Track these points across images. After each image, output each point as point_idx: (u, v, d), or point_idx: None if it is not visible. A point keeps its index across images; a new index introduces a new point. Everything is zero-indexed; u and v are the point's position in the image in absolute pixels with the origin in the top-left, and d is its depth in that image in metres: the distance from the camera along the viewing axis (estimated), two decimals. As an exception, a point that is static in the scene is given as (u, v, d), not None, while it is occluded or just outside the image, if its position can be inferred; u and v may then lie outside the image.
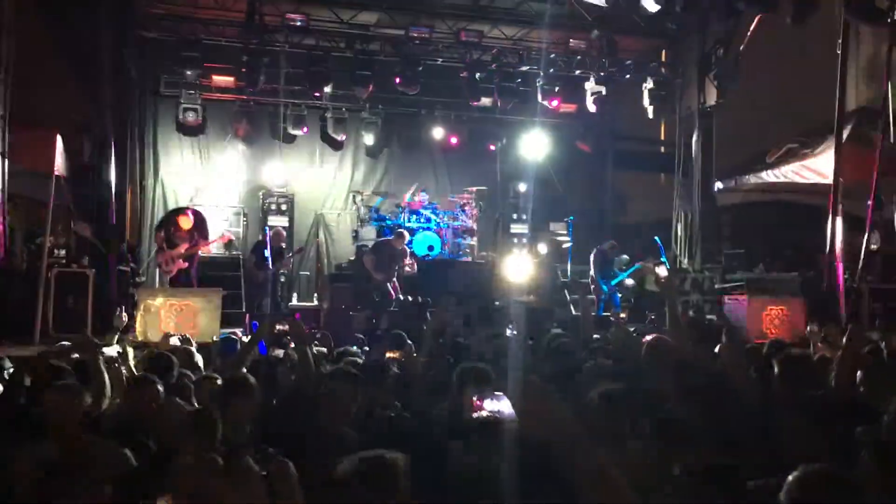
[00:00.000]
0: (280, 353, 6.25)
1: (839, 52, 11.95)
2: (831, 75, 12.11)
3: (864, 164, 11.65)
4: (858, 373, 4.34)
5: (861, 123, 12.74)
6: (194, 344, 6.89)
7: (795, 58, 15.19)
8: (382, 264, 12.12)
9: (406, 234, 12.84)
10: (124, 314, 8.45)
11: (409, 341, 6.66)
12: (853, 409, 3.77)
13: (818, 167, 13.42)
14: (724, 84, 14.38)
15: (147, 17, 13.41)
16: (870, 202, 11.63)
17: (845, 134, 12.21)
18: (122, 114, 11.75)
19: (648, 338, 5.00)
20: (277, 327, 8.21)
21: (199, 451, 2.78)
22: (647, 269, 14.46)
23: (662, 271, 13.55)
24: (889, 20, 11.05)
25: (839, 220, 11.71)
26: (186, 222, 11.76)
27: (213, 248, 12.83)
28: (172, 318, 9.82)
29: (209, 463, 0.94)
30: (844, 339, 4.99)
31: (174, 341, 7.28)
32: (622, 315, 10.65)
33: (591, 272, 13.55)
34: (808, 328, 8.22)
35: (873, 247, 11.98)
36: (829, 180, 12.04)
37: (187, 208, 12.57)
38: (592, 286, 13.34)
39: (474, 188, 15.65)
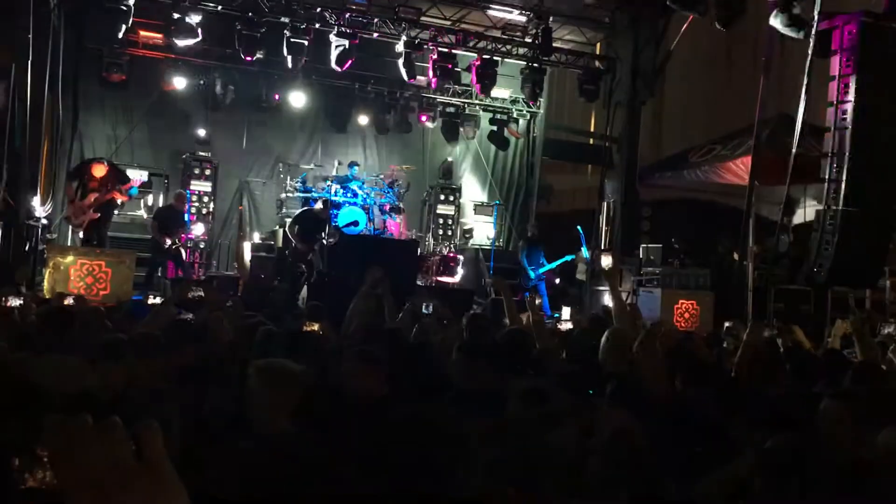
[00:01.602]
0: (189, 317, 6.14)
1: (763, 57, 12.36)
2: (754, 81, 12.52)
3: (779, 169, 12.11)
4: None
5: (779, 130, 13.22)
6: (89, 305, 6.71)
7: (722, 62, 15.67)
8: (306, 234, 11.99)
9: (329, 203, 12.74)
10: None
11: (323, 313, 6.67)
12: (746, 399, 4.00)
13: (736, 170, 13.91)
14: (652, 81, 14.71)
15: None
16: (781, 206, 12.12)
17: (763, 139, 12.66)
18: (40, 63, 11.25)
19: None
20: (192, 293, 8.08)
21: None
22: (580, 258, 14.75)
23: (607, 260, 13.85)
24: (811, 31, 11.48)
25: (751, 222, 12.16)
26: (100, 170, 11.32)
27: (126, 200, 12.31)
28: (83, 277, 9.54)
29: (77, 421, 0.93)
30: (745, 335, 5.28)
31: (69, 301, 7.10)
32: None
33: (520, 259, 13.69)
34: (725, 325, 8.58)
35: (781, 249, 12.50)
36: (745, 183, 12.49)
37: (102, 158, 12.12)
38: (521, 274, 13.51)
39: (403, 166, 15.63)
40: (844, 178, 11.43)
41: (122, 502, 1.02)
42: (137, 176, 13.74)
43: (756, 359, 4.85)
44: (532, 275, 13.49)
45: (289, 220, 12.74)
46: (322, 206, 12.39)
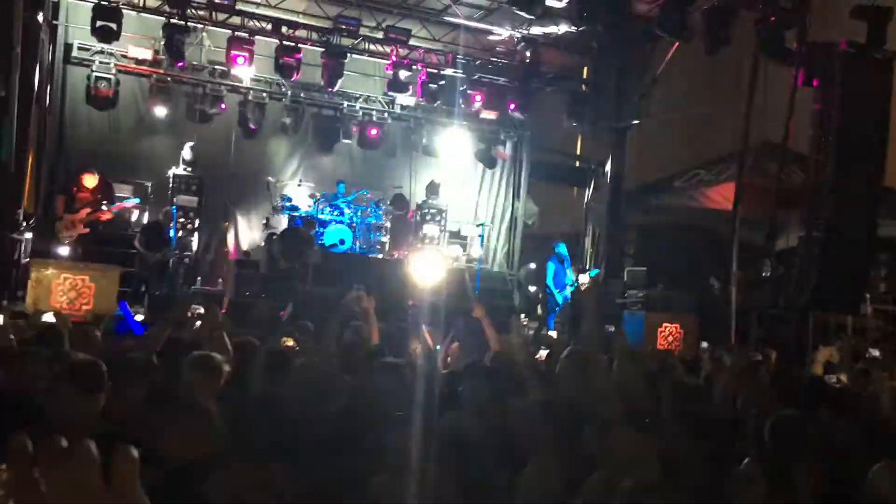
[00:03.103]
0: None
1: (748, 84, 12.53)
2: (737, 108, 12.68)
3: (762, 195, 12.25)
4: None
5: (763, 156, 13.38)
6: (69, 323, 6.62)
7: (706, 88, 15.84)
8: (289, 251, 11.97)
9: (315, 222, 12.74)
10: None
11: (307, 330, 6.65)
12: (730, 425, 4.03)
13: (720, 195, 14.03)
14: (638, 106, 14.86)
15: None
16: (765, 233, 12.24)
17: (747, 165, 12.79)
18: (27, 75, 11.21)
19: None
20: (192, 311, 8.03)
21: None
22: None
23: (585, 279, 13.71)
24: (796, 60, 11.66)
25: (735, 247, 12.25)
26: (91, 180, 11.24)
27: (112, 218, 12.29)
28: (65, 291, 9.47)
29: (47, 442, 0.92)
30: (730, 360, 5.31)
31: (48, 317, 7.04)
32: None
33: (547, 281, 13.25)
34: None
35: (764, 274, 12.59)
36: (729, 209, 12.60)
37: (93, 168, 12.01)
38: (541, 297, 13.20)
39: (391, 186, 15.65)
40: (826, 203, 11.58)
41: None
42: (123, 191, 13.71)
43: (743, 384, 4.88)
44: (560, 298, 13.05)
45: (274, 237, 12.71)
46: (305, 225, 12.40)
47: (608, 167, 15.58)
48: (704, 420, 3.82)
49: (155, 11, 13.30)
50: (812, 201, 11.76)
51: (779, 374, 6.46)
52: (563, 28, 14.00)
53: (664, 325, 12.28)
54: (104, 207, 11.34)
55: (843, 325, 12.03)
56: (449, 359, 6.38)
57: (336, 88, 14.47)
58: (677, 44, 13.15)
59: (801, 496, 3.14)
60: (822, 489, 3.26)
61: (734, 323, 11.95)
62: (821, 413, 4.56)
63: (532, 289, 16.08)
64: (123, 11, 12.97)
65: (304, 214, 13.83)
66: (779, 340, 11.07)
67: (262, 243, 14.04)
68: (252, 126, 15.04)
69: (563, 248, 13.48)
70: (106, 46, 13.27)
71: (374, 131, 16.04)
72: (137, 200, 12.51)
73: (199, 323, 6.75)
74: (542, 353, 6.87)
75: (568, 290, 13.14)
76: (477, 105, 15.32)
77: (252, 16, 13.82)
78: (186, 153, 14.66)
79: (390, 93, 15.08)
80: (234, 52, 13.40)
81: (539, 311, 14.27)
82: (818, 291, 11.19)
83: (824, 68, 11.71)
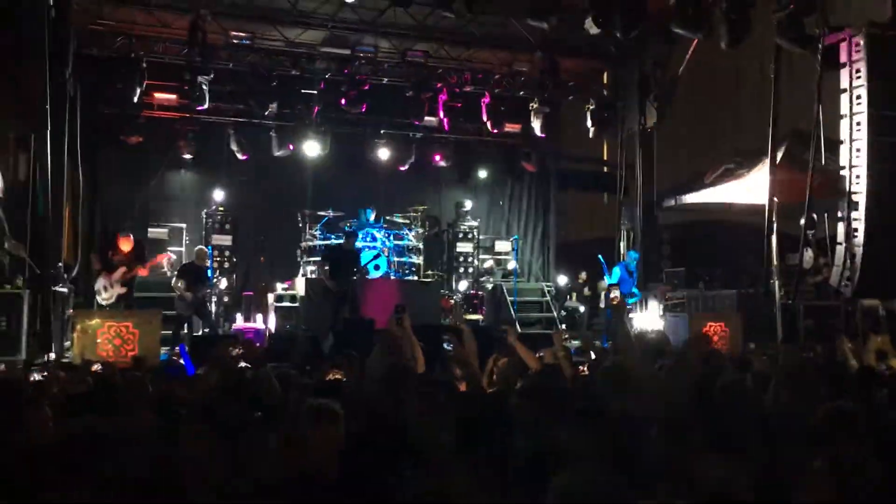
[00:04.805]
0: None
1: (772, 75, 12.36)
2: (764, 99, 12.51)
3: (797, 185, 12.04)
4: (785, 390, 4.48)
5: (794, 145, 13.16)
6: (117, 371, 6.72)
7: (730, 82, 15.67)
8: (336, 270, 11.95)
9: (354, 236, 12.78)
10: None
11: (354, 360, 6.65)
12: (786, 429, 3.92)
13: (753, 188, 13.82)
14: (662, 106, 14.74)
15: (88, 33, 13.18)
16: (803, 222, 12.01)
17: (779, 155, 12.60)
18: (59, 132, 11.46)
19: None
20: (233, 350, 8.09)
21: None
22: (601, 287, 14.61)
23: (616, 291, 13.64)
24: (819, 46, 11.48)
25: (774, 240, 12.06)
26: (126, 244, 11.52)
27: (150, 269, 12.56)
28: (110, 339, 9.60)
29: None
30: (780, 359, 5.20)
31: (96, 367, 7.14)
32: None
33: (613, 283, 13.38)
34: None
35: (806, 265, 12.36)
36: (765, 200, 12.40)
37: (127, 232, 12.29)
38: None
39: (419, 207, 15.69)
40: (864, 189, 11.35)
41: None
42: (158, 233, 13.93)
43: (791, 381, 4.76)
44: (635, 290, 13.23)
45: (319, 261, 12.67)
46: (346, 240, 12.43)
47: (637, 170, 15.46)
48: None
49: (177, 57, 13.52)
50: (849, 187, 11.54)
51: (830, 366, 6.33)
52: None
53: (708, 324, 12.08)
54: (139, 266, 11.59)
55: (893, 312, 11.73)
56: (494, 377, 6.32)
57: (359, 113, 14.56)
58: (696, 40, 13.03)
59: (866, 490, 3.05)
60: (886, 481, 3.16)
61: (780, 317, 11.74)
62: (877, 402, 4.45)
63: (570, 302, 16.00)
64: (147, 59, 13.21)
65: (337, 241, 13.85)
66: (827, 332, 10.84)
67: (300, 275, 14.13)
68: (280, 157, 15.19)
69: (633, 255, 13.52)
70: (132, 95, 13.50)
71: (399, 154, 16.11)
72: (172, 256, 12.74)
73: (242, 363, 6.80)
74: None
75: (633, 298, 13.22)
76: (499, 119, 15.31)
77: (270, 52, 14.00)
78: (218, 192, 14.88)
79: (412, 114, 15.14)
80: (259, 101, 13.64)
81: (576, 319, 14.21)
82: (863, 279, 10.94)
83: (848, 52, 11.52)
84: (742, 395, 4.46)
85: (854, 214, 11.42)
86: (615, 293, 13.11)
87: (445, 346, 8.58)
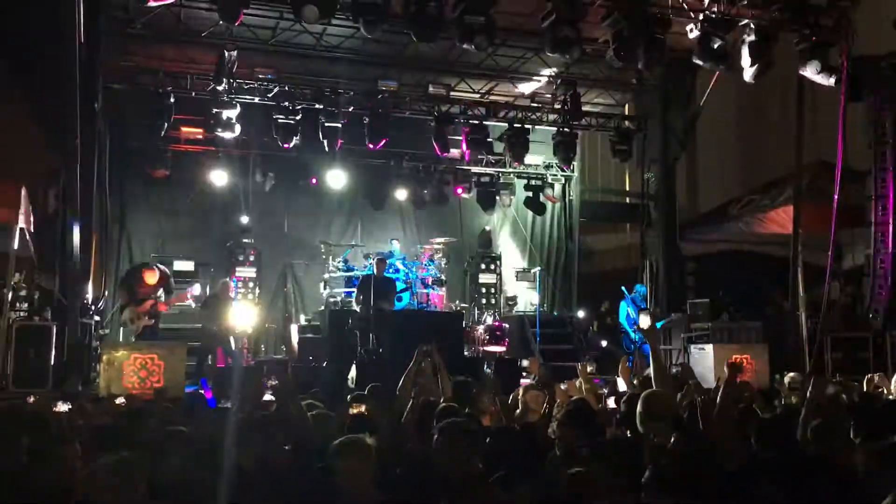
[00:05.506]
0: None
1: (795, 107, 12.35)
2: (787, 130, 12.49)
3: (822, 215, 11.96)
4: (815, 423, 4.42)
5: (818, 176, 13.10)
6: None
7: (753, 113, 15.66)
8: (366, 297, 11.97)
9: (384, 260, 12.81)
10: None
11: (380, 393, 6.63)
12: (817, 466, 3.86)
13: (778, 219, 13.75)
14: (684, 137, 14.75)
15: (115, 69, 13.44)
16: (829, 253, 11.92)
17: (804, 186, 12.55)
18: (87, 165, 11.66)
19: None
20: (267, 382, 8.12)
21: None
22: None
23: (646, 320, 13.54)
24: (841, 77, 11.46)
25: (800, 271, 11.96)
26: (152, 277, 11.60)
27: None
28: (135, 371, 9.67)
29: None
30: (808, 391, 5.13)
31: (120, 401, 7.20)
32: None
33: (620, 320, 13.30)
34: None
35: (833, 297, 12.24)
36: (789, 231, 12.33)
37: (153, 264, 12.41)
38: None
39: (443, 239, 15.72)
40: (891, 219, 11.26)
41: None
42: (185, 266, 14.05)
43: (819, 415, 4.70)
44: (636, 336, 12.98)
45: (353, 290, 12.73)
46: (377, 266, 12.47)
47: (659, 201, 15.43)
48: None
49: (203, 92, 13.73)
50: (875, 217, 11.45)
51: (860, 402, 6.23)
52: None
53: (734, 356, 11.94)
54: (163, 298, 11.68)
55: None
56: (520, 408, 6.25)
57: (382, 147, 14.67)
58: (718, 72, 13.06)
59: None
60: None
61: (807, 349, 11.60)
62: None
63: (592, 333, 15.89)
64: (173, 94, 13.44)
65: (361, 274, 13.88)
66: (856, 365, 10.70)
67: (323, 307, 14.16)
68: (304, 189, 15.32)
69: (640, 288, 13.46)
70: (158, 129, 13.71)
71: (422, 186, 16.19)
72: (197, 290, 12.82)
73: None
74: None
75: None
76: (521, 151, 15.35)
77: (295, 85, 14.20)
78: (242, 224, 15.02)
79: (435, 147, 15.24)
80: (284, 140, 13.82)
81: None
82: (892, 311, 10.80)
83: (872, 82, 11.50)
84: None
85: (880, 245, 11.32)
86: (645, 319, 12.98)
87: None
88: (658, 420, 4.27)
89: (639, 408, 4.41)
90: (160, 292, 11.62)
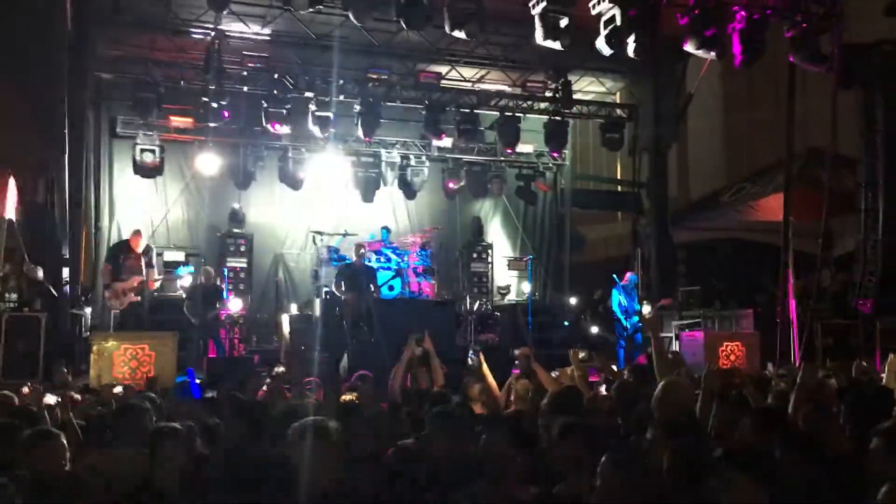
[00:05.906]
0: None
1: (787, 94, 12.35)
2: (778, 117, 12.50)
3: (813, 203, 11.99)
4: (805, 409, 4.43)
5: (810, 163, 13.12)
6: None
7: (743, 100, 15.67)
8: (348, 285, 11.97)
9: (362, 245, 12.79)
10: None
11: (369, 381, 6.65)
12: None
13: (769, 207, 13.78)
14: (675, 125, 14.75)
15: (104, 58, 13.34)
16: (820, 240, 11.94)
17: (795, 174, 12.56)
18: (77, 155, 11.58)
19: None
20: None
21: None
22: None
23: (647, 309, 13.55)
24: (832, 64, 11.46)
25: (790, 258, 11.99)
26: (138, 244, 11.24)
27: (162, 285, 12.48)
28: (126, 361, 9.64)
29: None
30: (798, 378, 5.14)
31: (118, 390, 7.16)
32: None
33: (614, 309, 13.24)
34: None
35: (824, 284, 12.28)
36: (780, 219, 12.35)
37: (138, 230, 12.01)
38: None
39: (434, 227, 15.69)
40: (881, 206, 11.29)
41: None
42: (174, 256, 13.96)
43: (809, 401, 4.71)
44: (627, 323, 12.98)
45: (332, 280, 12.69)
46: (355, 252, 12.46)
47: (650, 189, 15.44)
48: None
49: (193, 81, 13.65)
50: (865, 204, 11.48)
51: (849, 387, 6.25)
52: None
53: (725, 344, 12.00)
54: (155, 275, 11.42)
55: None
56: (512, 396, 6.27)
57: (373, 135, 14.62)
58: (709, 60, 13.03)
59: None
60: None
61: (797, 336, 11.64)
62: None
63: (584, 322, 15.92)
64: (162, 83, 13.36)
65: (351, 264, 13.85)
66: (846, 351, 10.75)
67: (314, 296, 14.12)
68: (294, 178, 15.26)
69: (632, 278, 13.44)
70: (148, 118, 13.63)
71: (413, 174, 16.15)
72: (191, 269, 12.66)
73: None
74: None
75: (636, 318, 13.03)
76: (512, 139, 15.32)
77: (284, 74, 14.12)
78: (233, 213, 14.96)
79: (426, 135, 15.20)
80: (272, 122, 13.68)
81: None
82: (882, 297, 10.85)
83: (863, 70, 11.51)
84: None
85: (871, 232, 11.35)
86: (647, 308, 12.97)
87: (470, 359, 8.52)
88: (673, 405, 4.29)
89: (658, 393, 4.42)
90: (142, 263, 11.23)
